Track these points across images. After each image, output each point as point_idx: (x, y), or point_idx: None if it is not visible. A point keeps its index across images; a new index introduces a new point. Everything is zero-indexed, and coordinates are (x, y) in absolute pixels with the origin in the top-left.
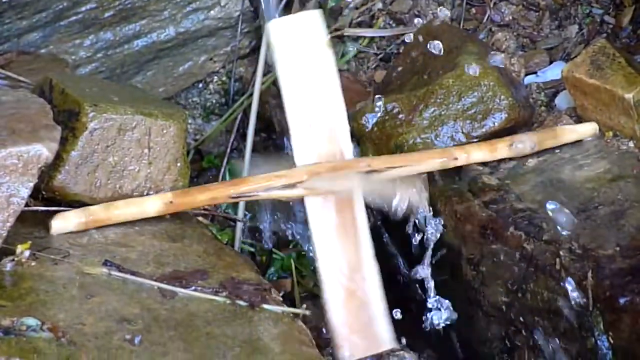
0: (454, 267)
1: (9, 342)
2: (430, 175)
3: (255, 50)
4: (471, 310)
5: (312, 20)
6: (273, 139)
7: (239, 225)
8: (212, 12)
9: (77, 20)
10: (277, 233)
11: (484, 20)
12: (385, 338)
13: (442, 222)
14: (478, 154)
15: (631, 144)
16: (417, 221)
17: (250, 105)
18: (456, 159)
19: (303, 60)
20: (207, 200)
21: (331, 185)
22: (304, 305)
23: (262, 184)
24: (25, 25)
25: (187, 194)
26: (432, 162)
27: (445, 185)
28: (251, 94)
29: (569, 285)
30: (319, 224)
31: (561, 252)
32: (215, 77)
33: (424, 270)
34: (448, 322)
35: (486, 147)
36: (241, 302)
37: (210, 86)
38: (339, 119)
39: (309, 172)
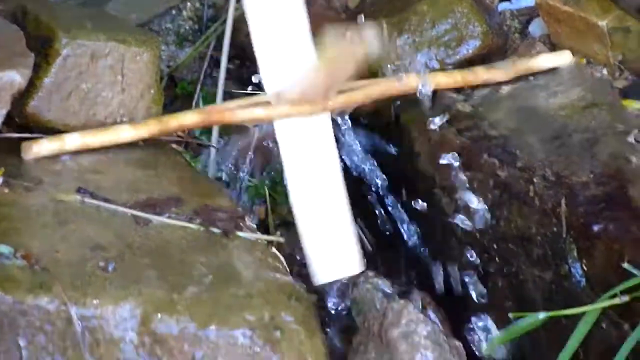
0: (428, 194)
1: None
2: (403, 102)
3: None
4: (446, 237)
5: None
6: (247, 66)
7: (213, 152)
8: None
9: None
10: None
11: None
12: (357, 263)
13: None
14: (451, 82)
15: (605, 72)
16: None
17: (223, 32)
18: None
19: None
20: (180, 127)
21: (300, 109)
22: (278, 233)
23: (235, 110)
24: None
25: (161, 121)
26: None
27: (419, 112)
28: (224, 21)
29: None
30: (289, 148)
31: (535, 179)
32: (189, 4)
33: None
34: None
35: (460, 75)
36: (215, 230)
37: (184, 13)
38: (305, 44)
39: (279, 99)
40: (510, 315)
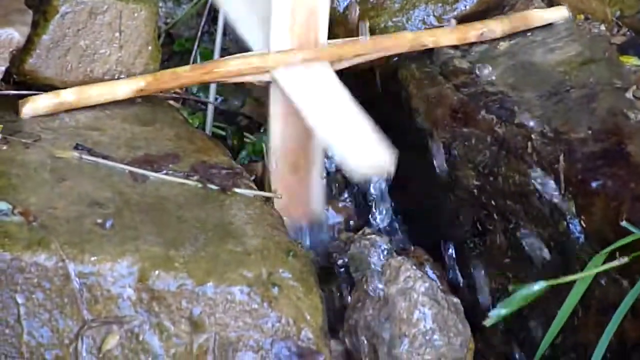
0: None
1: None
2: (400, 58)
3: None
4: (442, 194)
5: None
6: None
7: (210, 108)
8: None
9: None
10: (250, 117)
11: None
12: (388, 161)
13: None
14: (447, 40)
15: (602, 27)
16: None
17: None
18: (425, 45)
19: None
20: (177, 84)
21: (299, 75)
22: (275, 189)
23: (232, 68)
24: None
25: (158, 77)
26: (401, 48)
27: (417, 69)
28: None
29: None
30: (277, 110)
31: (533, 136)
32: None
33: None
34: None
35: (456, 33)
36: (213, 186)
37: None
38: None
39: (281, 61)
40: (510, 287)
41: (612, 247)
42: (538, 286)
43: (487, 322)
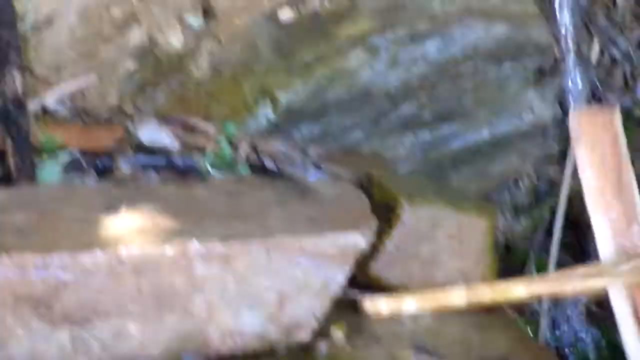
0: None
1: None
2: None
3: (565, 153)
4: None
5: (610, 114)
6: (579, 241)
7: (544, 318)
8: (524, 116)
9: (397, 120)
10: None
11: None
12: None
13: None
14: None
15: None
16: None
17: (557, 205)
18: None
19: (599, 151)
20: (512, 296)
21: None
22: None
23: (564, 281)
24: (349, 123)
25: (493, 288)
26: None
27: None
28: (559, 195)
29: None
30: (623, 314)
31: None
32: (526, 179)
33: None
34: None
35: None
36: None
37: (521, 186)
38: (634, 211)
39: (609, 271)
40: None
41: None
42: None
43: None
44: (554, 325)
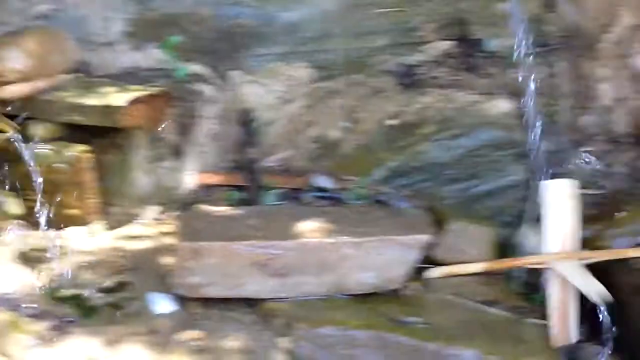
0: None
1: (403, 329)
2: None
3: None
4: None
5: (568, 184)
6: None
7: (518, 278)
8: (509, 177)
9: (446, 177)
10: None
11: None
12: None
13: None
14: None
15: None
16: None
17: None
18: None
19: (560, 202)
20: (506, 266)
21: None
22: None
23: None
24: (420, 179)
25: (494, 263)
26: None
27: None
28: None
29: None
30: (554, 283)
31: None
32: (509, 210)
33: None
34: None
35: None
36: (510, 314)
37: (508, 213)
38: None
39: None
40: None
41: None
42: None
43: None
44: (526, 282)
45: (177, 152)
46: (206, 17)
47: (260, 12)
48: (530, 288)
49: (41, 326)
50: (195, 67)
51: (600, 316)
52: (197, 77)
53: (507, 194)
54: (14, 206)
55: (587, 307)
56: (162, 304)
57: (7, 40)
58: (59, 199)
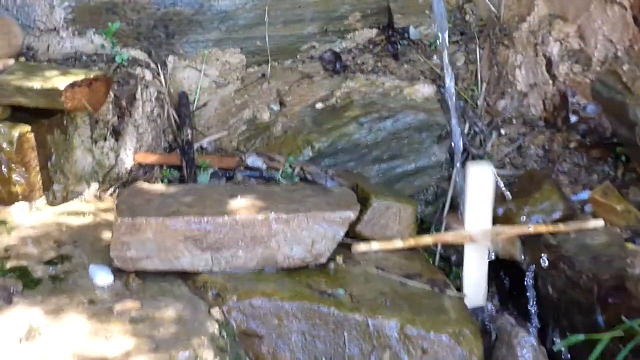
0: None
1: (329, 300)
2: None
3: (450, 178)
4: None
5: (485, 168)
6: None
7: (438, 253)
8: (432, 158)
9: (370, 158)
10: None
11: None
12: None
13: None
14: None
15: (618, 230)
16: None
17: (446, 201)
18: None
19: (478, 184)
20: (424, 243)
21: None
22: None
23: (448, 238)
24: (347, 159)
25: (416, 238)
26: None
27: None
28: (447, 196)
29: None
30: (470, 251)
31: None
32: (431, 187)
33: None
34: None
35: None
36: (437, 289)
37: (429, 191)
38: (488, 214)
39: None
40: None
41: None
42: (580, 337)
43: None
44: (443, 257)
45: (116, 133)
46: (144, 4)
47: (196, 1)
48: (449, 262)
49: None
50: (134, 53)
51: (507, 285)
52: (136, 62)
53: (429, 174)
54: None
55: (497, 281)
56: (102, 277)
57: None
58: (4, 176)
